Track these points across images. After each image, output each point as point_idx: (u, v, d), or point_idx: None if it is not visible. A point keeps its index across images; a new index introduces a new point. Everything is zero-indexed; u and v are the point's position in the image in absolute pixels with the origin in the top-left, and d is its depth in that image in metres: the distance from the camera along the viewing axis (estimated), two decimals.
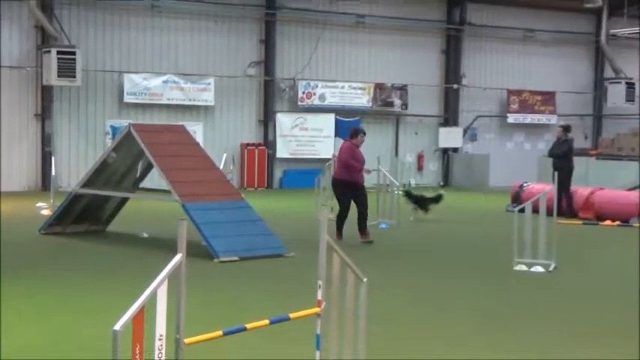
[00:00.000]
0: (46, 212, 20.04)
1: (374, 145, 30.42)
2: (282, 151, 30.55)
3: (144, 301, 5.68)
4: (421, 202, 21.68)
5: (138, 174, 17.66)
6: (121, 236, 17.29)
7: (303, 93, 30.77)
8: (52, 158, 23.52)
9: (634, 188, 24.48)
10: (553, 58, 35.64)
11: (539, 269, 14.23)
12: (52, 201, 19.90)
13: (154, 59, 28.39)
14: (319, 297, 7.20)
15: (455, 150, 33.92)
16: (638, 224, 21.06)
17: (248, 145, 29.88)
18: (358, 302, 7.50)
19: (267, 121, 30.41)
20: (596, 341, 9.92)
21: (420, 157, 33.48)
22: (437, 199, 21.69)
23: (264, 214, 16.60)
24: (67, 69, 25.46)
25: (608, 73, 36.07)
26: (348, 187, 16.71)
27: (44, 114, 26.78)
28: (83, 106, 27.45)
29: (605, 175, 27.14)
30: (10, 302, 10.63)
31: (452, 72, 33.58)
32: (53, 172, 21.66)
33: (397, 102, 32.43)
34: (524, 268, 14.34)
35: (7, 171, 25.93)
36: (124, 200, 17.79)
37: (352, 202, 16.80)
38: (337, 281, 7.30)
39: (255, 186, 29.52)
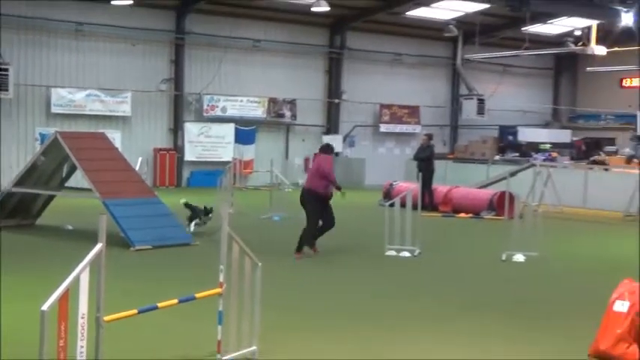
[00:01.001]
0: None
1: (268, 150, 30.56)
2: (189, 155, 30.27)
3: (68, 285, 5.58)
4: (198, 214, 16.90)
5: (63, 174, 17.33)
6: (48, 229, 16.91)
7: (208, 105, 30.55)
8: None
9: (484, 186, 25.05)
10: (417, 78, 36.10)
11: (406, 254, 14.44)
12: None
13: (77, 75, 27.81)
14: (221, 279, 7.18)
15: (336, 154, 33.95)
16: (487, 216, 21.55)
17: (160, 149, 29.55)
18: (254, 283, 7.50)
19: (176, 129, 30.12)
20: (454, 310, 10.13)
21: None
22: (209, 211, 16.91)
23: (173, 209, 16.44)
24: (0, 83, 24.80)
25: (463, 90, 36.69)
26: (320, 200, 14.27)
27: None
28: (15, 115, 26.72)
29: (460, 175, 27.70)
30: None
31: (334, 89, 33.75)
32: None
33: (287, 114, 32.46)
34: (393, 253, 14.54)
35: None
36: (51, 197, 17.40)
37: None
38: (236, 266, 7.29)
39: (167, 185, 29.19)
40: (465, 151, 33.87)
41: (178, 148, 30.06)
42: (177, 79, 29.94)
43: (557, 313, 10.37)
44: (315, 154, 14.96)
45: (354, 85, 34.12)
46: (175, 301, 7.26)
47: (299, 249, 14.22)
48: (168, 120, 30.15)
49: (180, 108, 30.12)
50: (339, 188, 14.42)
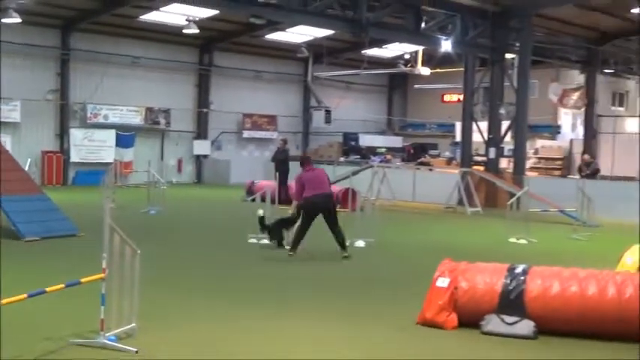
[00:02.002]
0: None
1: (145, 153, 29.92)
2: (74, 157, 29.30)
3: None
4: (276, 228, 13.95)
5: None
6: None
7: (91, 113, 29.67)
8: None
9: (331, 183, 25.33)
10: (275, 92, 36.16)
11: (265, 241, 14.45)
12: None
13: None
14: (104, 266, 7.01)
15: (205, 156, 33.81)
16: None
17: (48, 152, 28.46)
18: (134, 268, 7.34)
19: (62, 134, 29.11)
20: (302, 286, 10.21)
21: (179, 162, 33.12)
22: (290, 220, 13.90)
23: (60, 205, 15.84)
24: None
25: (313, 102, 37.06)
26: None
27: None
28: None
29: None
30: None
31: (203, 100, 33.43)
32: None
33: (162, 121, 31.95)
34: (254, 240, 14.53)
35: None
36: None
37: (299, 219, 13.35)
38: (117, 254, 7.12)
39: (54, 183, 28.15)
40: (314, 154, 34.29)
41: (64, 151, 29.06)
42: (63, 90, 28.95)
43: (390, 288, 10.63)
44: (308, 166, 13.66)
45: (220, 97, 33.91)
46: (62, 285, 7.02)
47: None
48: (54, 126, 29.10)
49: (66, 115, 29.13)
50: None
